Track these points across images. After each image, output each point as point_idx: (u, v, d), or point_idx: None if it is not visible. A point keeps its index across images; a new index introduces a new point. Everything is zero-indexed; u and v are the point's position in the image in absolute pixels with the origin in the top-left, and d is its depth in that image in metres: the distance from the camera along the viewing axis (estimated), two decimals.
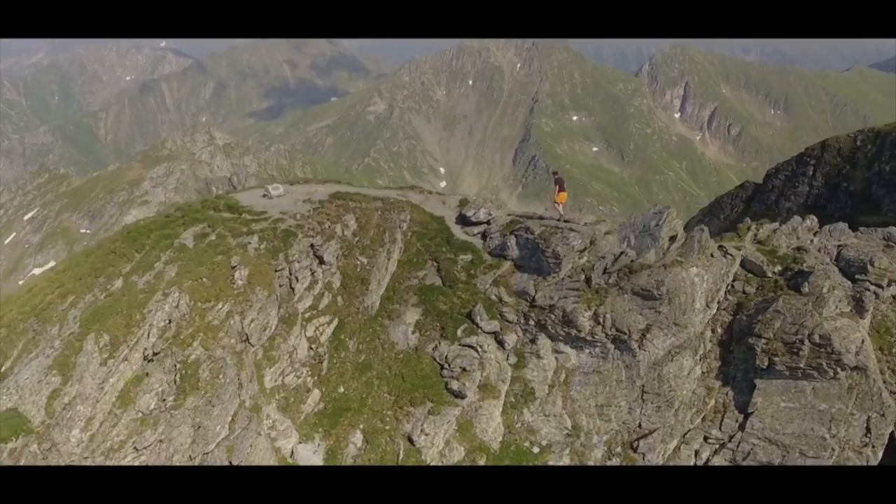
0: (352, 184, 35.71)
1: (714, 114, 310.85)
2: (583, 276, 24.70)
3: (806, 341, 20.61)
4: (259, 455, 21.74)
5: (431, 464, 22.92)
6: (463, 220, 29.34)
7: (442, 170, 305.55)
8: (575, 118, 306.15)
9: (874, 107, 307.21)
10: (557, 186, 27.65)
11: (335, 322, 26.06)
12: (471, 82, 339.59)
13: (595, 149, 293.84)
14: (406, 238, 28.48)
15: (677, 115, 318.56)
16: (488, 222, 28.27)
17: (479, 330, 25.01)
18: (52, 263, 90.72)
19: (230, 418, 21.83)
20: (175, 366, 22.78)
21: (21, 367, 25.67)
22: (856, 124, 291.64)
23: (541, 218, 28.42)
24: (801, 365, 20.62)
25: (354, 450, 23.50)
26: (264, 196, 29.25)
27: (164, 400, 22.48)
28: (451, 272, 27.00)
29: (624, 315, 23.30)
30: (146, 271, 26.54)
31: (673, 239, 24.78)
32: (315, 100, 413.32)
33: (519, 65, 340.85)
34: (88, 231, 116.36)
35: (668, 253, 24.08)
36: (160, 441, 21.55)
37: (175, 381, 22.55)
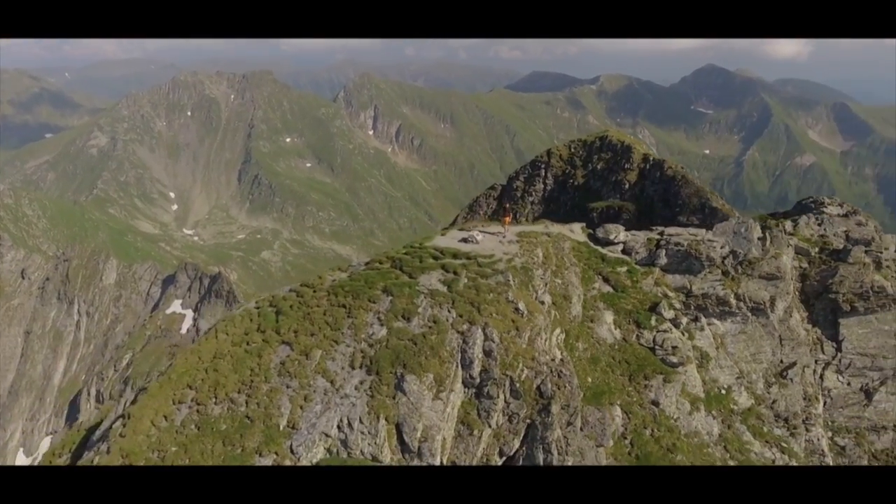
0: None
1: (399, 130, 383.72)
2: (719, 271, 36.06)
3: (870, 291, 34.75)
4: None
5: (675, 417, 32.34)
6: (597, 241, 38.48)
7: (172, 194, 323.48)
8: (288, 140, 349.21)
9: (513, 119, 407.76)
10: (508, 215, 40.87)
11: (561, 331, 33.60)
12: (189, 113, 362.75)
13: (308, 165, 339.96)
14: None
15: (371, 133, 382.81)
16: (625, 241, 37.90)
17: (663, 319, 34.83)
18: None
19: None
20: (511, 386, 28.67)
21: (310, 420, 28.91)
22: (501, 133, 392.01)
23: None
24: (872, 306, 34.74)
25: (620, 420, 31.80)
26: (466, 241, 34.86)
27: (517, 413, 28.38)
28: (618, 281, 36.21)
29: (756, 292, 35.28)
30: (409, 315, 31.01)
31: (761, 238, 37.37)
32: (26, 137, 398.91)
33: (233, 96, 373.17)
34: None
35: (766, 248, 36.59)
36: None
37: (518, 397, 28.49)
